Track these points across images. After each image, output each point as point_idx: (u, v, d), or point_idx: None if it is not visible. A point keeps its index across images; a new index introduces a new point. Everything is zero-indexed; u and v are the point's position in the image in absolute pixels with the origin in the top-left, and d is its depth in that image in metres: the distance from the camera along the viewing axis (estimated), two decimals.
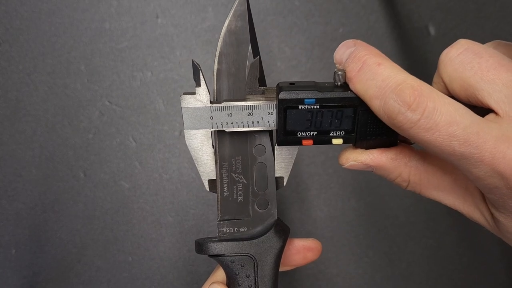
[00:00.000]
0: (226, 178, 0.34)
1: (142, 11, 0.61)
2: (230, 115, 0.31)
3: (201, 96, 0.31)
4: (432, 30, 0.63)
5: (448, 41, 0.27)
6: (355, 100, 0.28)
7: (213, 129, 0.31)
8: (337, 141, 0.30)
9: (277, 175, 0.34)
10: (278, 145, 0.32)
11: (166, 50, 0.61)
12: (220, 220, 0.34)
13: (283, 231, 0.34)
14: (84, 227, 0.62)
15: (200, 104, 0.31)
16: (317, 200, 0.65)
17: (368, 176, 0.67)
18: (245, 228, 0.34)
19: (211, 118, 0.31)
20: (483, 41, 0.30)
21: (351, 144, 0.31)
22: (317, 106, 0.29)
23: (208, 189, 0.34)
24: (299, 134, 0.30)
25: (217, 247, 0.33)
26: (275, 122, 0.31)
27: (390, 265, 0.67)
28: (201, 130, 0.32)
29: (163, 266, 0.63)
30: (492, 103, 0.25)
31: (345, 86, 0.29)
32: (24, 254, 0.61)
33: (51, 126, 0.60)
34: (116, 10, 0.60)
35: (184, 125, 0.31)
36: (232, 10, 0.32)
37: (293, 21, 0.63)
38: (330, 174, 0.66)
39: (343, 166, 0.31)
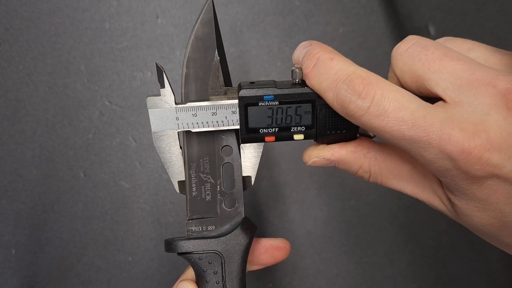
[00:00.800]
0: (195, 178, 0.35)
1: (142, 11, 0.61)
2: (195, 115, 0.32)
3: (166, 97, 0.32)
4: (432, 30, 0.63)
5: None
6: (312, 95, 0.30)
7: (180, 130, 0.32)
8: (298, 137, 0.31)
9: (244, 174, 0.35)
10: (242, 143, 0.33)
11: (166, 50, 0.61)
12: (188, 219, 0.35)
13: (250, 229, 0.35)
14: (84, 227, 0.62)
15: (166, 105, 0.32)
16: (317, 200, 0.65)
17: None
18: (213, 227, 0.35)
19: (177, 119, 0.32)
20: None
21: (313, 142, 0.32)
22: (276, 103, 0.30)
23: (178, 191, 0.35)
24: (262, 131, 0.31)
25: (185, 245, 0.34)
26: (238, 121, 0.31)
27: (390, 265, 0.67)
28: (168, 132, 0.33)
29: (163, 266, 0.63)
30: (439, 91, 0.26)
31: (303, 83, 0.30)
32: (24, 254, 0.61)
33: (51, 126, 0.60)
34: (116, 10, 0.60)
35: (152, 127, 0.32)
36: (200, 18, 0.34)
37: (293, 21, 0.63)
38: (330, 174, 0.66)
39: (307, 164, 0.32)
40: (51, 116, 0.60)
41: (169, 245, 0.35)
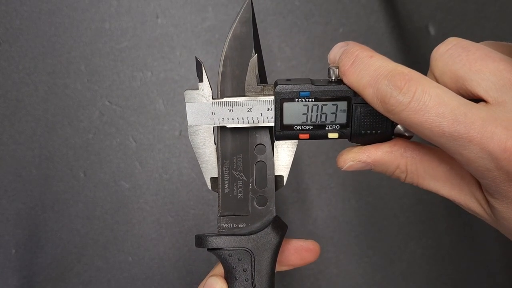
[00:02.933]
0: (227, 175, 0.35)
1: (142, 11, 0.61)
2: (231, 110, 0.32)
3: (204, 92, 0.32)
4: (432, 30, 0.63)
5: None
6: (348, 93, 0.30)
7: (215, 125, 0.32)
8: (332, 135, 0.31)
9: (276, 173, 0.35)
10: (276, 139, 0.33)
11: (166, 50, 0.61)
12: (220, 216, 0.35)
13: (281, 228, 0.35)
14: (84, 227, 0.62)
15: (203, 100, 0.32)
16: (317, 200, 0.65)
17: (368, 176, 0.67)
18: (244, 224, 0.35)
19: (213, 113, 0.32)
20: (483, 41, 0.30)
21: (345, 148, 0.32)
22: (312, 99, 0.30)
23: (210, 188, 0.35)
24: (296, 128, 0.31)
25: (215, 241, 0.34)
26: (273, 118, 0.32)
27: (390, 265, 0.67)
28: (203, 126, 0.33)
29: (163, 266, 0.63)
30: (481, 91, 0.26)
31: (339, 81, 0.30)
32: (24, 254, 0.61)
33: (51, 126, 0.60)
34: (116, 10, 0.60)
35: (188, 121, 0.32)
36: (238, 17, 0.34)
37: (293, 21, 0.63)
38: (330, 174, 0.66)
39: (342, 169, 0.32)
40: (51, 116, 0.60)
41: (200, 240, 0.35)
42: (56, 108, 0.60)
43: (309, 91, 0.30)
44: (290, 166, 0.35)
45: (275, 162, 0.35)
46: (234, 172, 0.35)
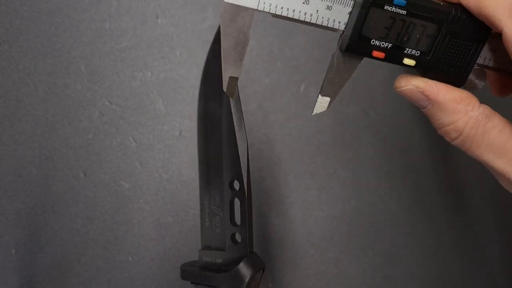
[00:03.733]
0: (207, 209, 0.34)
1: (142, 11, 0.61)
2: None
3: None
4: None
5: None
6: (445, 15, 0.26)
7: (259, 9, 0.25)
8: (409, 62, 0.27)
9: (323, 93, 0.29)
10: (345, 50, 0.27)
11: (166, 50, 0.61)
12: (201, 249, 0.35)
13: (253, 266, 0.34)
14: (84, 227, 0.62)
15: None
16: (317, 200, 0.65)
17: (368, 176, 0.67)
18: (221, 260, 0.35)
19: None
20: None
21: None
22: (404, 12, 0.26)
23: (225, 89, 0.28)
24: (373, 42, 0.27)
25: (190, 275, 0.35)
26: (345, 22, 0.26)
27: (390, 265, 0.67)
28: (243, 8, 0.25)
29: (163, 266, 0.63)
30: None
31: None
32: (24, 254, 0.61)
33: (51, 126, 0.60)
34: (116, 10, 0.60)
35: None
36: None
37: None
38: (330, 174, 0.66)
39: (398, 89, 0.28)
40: (51, 116, 0.60)
41: (182, 272, 0.36)
42: (56, 108, 0.60)
43: (406, 0, 0.25)
44: (340, 89, 0.29)
45: (327, 77, 0.28)
46: (213, 207, 0.34)
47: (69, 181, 0.61)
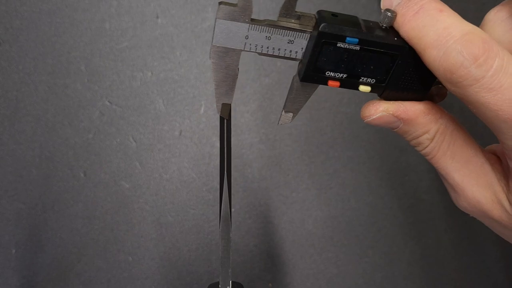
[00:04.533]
0: None
1: (142, 11, 0.61)
2: (269, 38, 0.27)
3: (242, 10, 0.27)
4: None
5: None
6: (400, 49, 0.26)
7: (245, 50, 0.28)
8: (364, 88, 0.28)
9: (286, 110, 0.31)
10: (302, 80, 0.29)
11: (166, 50, 0.61)
12: None
13: None
14: (84, 227, 0.62)
15: (239, 20, 0.27)
16: (317, 200, 0.65)
17: (368, 176, 0.67)
18: None
19: (247, 37, 0.27)
20: None
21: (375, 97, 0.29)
22: (357, 48, 0.26)
23: (219, 113, 0.31)
24: (328, 73, 0.28)
25: None
26: (302, 53, 0.28)
27: (390, 265, 0.67)
28: (230, 49, 0.28)
29: (163, 266, 0.63)
30: None
31: (391, 30, 0.26)
32: (24, 254, 0.61)
33: (51, 126, 0.60)
34: (116, 10, 0.60)
35: (213, 39, 0.27)
36: None
37: None
38: (330, 174, 0.66)
39: (368, 119, 0.28)
40: (51, 116, 0.60)
41: None
42: (56, 108, 0.60)
43: (358, 38, 0.26)
44: (303, 105, 0.32)
45: (289, 97, 0.30)
46: None
47: (69, 181, 0.61)
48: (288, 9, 0.27)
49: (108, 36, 0.60)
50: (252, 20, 0.27)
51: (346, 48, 0.26)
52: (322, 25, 0.26)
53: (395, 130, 0.28)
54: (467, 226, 0.67)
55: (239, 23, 0.27)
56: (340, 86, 0.28)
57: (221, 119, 0.32)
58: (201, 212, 0.63)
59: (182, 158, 0.63)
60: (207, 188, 0.63)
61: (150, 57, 0.61)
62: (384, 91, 0.28)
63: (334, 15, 0.27)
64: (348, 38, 0.26)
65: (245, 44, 0.28)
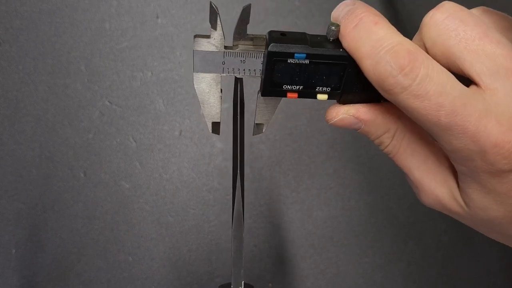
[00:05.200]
0: None
1: (142, 11, 0.61)
2: (244, 62, 0.30)
3: (216, 41, 0.30)
4: None
5: None
6: (346, 58, 0.28)
7: (224, 74, 0.31)
8: (322, 97, 0.30)
9: (257, 122, 0.34)
10: (262, 95, 0.32)
11: (166, 50, 0.61)
12: None
13: None
14: (84, 227, 0.62)
15: (213, 48, 0.30)
16: (317, 200, 0.65)
17: (368, 176, 0.67)
18: None
19: (223, 63, 0.30)
20: (477, 7, 0.30)
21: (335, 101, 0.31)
22: (307, 62, 0.29)
23: (210, 131, 0.34)
24: (285, 87, 0.30)
25: None
26: (260, 71, 0.30)
27: (390, 265, 0.67)
28: (211, 74, 0.31)
29: (163, 266, 0.63)
30: (473, 74, 0.25)
31: (337, 42, 0.28)
32: (24, 254, 0.61)
33: (51, 126, 0.60)
34: (116, 10, 0.60)
35: (194, 68, 0.30)
36: None
37: (293, 21, 0.63)
38: (330, 174, 0.66)
39: (331, 122, 0.30)
40: (51, 116, 0.60)
41: None
42: (56, 108, 0.60)
43: (305, 53, 0.28)
44: (272, 116, 0.34)
45: (258, 110, 0.34)
46: None
47: (69, 181, 0.61)
48: (241, 33, 0.30)
49: (108, 36, 0.60)
50: (226, 47, 0.30)
51: (296, 63, 0.29)
52: (270, 45, 0.28)
53: (358, 131, 0.30)
54: (467, 226, 0.67)
55: (214, 51, 0.30)
56: (299, 97, 0.30)
57: (234, 116, 0.34)
58: (201, 212, 0.63)
59: (182, 158, 0.63)
60: (207, 188, 0.63)
61: (150, 57, 0.61)
62: (341, 97, 0.30)
63: (283, 34, 0.29)
64: (296, 55, 0.28)
65: (223, 69, 0.31)
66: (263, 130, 0.34)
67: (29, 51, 0.59)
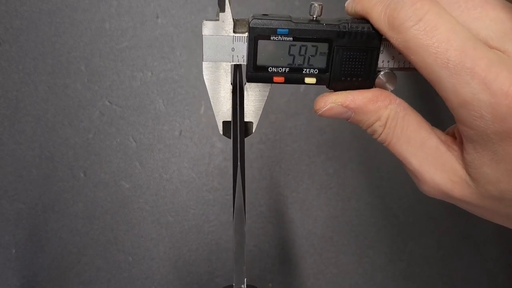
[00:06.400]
0: None
1: (142, 11, 0.61)
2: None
3: (225, 24, 0.28)
4: None
5: None
6: (331, 33, 0.27)
7: (234, 63, 0.30)
8: (309, 80, 0.29)
9: (246, 119, 0.32)
10: (248, 81, 0.30)
11: (166, 50, 0.61)
12: None
13: None
14: (84, 227, 0.62)
15: (223, 33, 0.28)
16: (317, 200, 0.65)
17: (368, 176, 0.67)
18: None
19: (233, 49, 0.29)
20: None
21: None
22: (290, 38, 0.28)
23: (221, 132, 0.32)
24: (270, 69, 0.29)
25: None
26: (243, 56, 0.29)
27: (390, 265, 0.67)
28: (221, 64, 0.30)
29: (163, 266, 0.63)
30: (481, 40, 0.24)
31: (320, 19, 0.28)
32: (24, 254, 0.61)
33: (51, 126, 0.60)
34: (116, 10, 0.60)
35: (204, 56, 0.29)
36: None
37: None
38: (330, 174, 0.66)
39: (320, 112, 0.29)
40: (51, 116, 0.60)
41: None
42: (56, 108, 0.60)
43: (288, 28, 0.27)
44: (260, 112, 0.32)
45: (245, 106, 0.32)
46: None
47: (69, 181, 0.61)
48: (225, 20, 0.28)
49: (108, 36, 0.60)
50: (235, 32, 0.29)
51: (279, 40, 0.27)
52: (252, 21, 0.27)
53: (349, 121, 0.29)
54: (467, 226, 0.67)
55: (224, 35, 0.28)
56: (285, 82, 0.29)
57: (234, 105, 0.32)
58: (201, 212, 0.63)
59: (182, 158, 0.63)
60: (207, 188, 0.63)
61: (150, 57, 0.61)
62: (331, 82, 0.29)
63: (265, 14, 0.28)
64: (278, 30, 0.27)
65: (232, 57, 0.29)
66: (253, 130, 0.33)
67: (29, 51, 0.59)
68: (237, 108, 0.32)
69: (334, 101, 0.29)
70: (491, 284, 0.69)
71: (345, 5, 0.29)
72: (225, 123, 0.32)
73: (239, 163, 0.32)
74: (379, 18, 0.26)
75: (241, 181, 0.32)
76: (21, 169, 0.60)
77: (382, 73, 0.29)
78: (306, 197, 0.65)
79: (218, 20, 0.28)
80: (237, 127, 0.32)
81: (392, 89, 0.30)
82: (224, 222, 0.63)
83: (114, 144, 0.62)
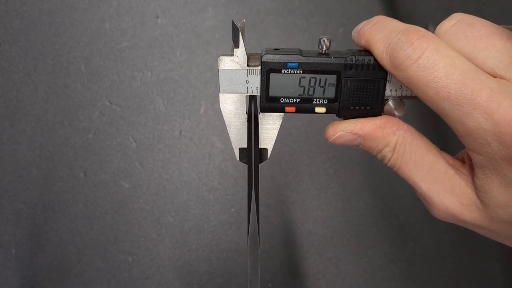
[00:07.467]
0: None
1: (142, 11, 0.61)
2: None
3: (239, 58, 0.31)
4: (432, 30, 0.63)
5: None
6: (339, 66, 0.29)
7: (248, 94, 0.31)
8: (320, 110, 0.30)
9: (261, 146, 0.34)
10: (261, 111, 0.32)
11: (166, 50, 0.61)
12: None
13: None
14: (84, 227, 0.62)
15: (237, 67, 0.31)
16: (317, 200, 0.65)
17: (368, 176, 0.67)
18: None
19: (247, 82, 0.31)
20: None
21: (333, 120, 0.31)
22: (300, 71, 0.29)
23: (238, 158, 0.34)
24: (282, 100, 0.30)
25: None
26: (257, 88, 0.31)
27: (390, 265, 0.67)
28: (236, 95, 0.32)
29: (163, 266, 0.63)
30: (487, 69, 0.25)
31: (329, 53, 0.29)
32: (24, 254, 0.61)
33: (51, 126, 0.60)
34: (116, 10, 0.60)
35: (220, 88, 0.31)
36: None
37: (293, 21, 0.62)
38: (330, 174, 0.66)
39: (330, 140, 0.31)
40: (51, 116, 0.60)
41: None
42: (56, 108, 0.60)
43: (298, 62, 0.29)
44: (275, 139, 0.34)
45: (260, 134, 0.34)
46: None
47: (69, 181, 0.61)
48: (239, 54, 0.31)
49: (108, 36, 0.60)
50: (249, 65, 0.31)
51: (290, 73, 0.29)
52: (264, 56, 0.29)
53: (359, 147, 0.30)
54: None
55: (238, 69, 0.31)
56: (297, 111, 0.31)
57: (249, 135, 0.35)
58: (201, 212, 0.63)
59: (182, 158, 0.63)
60: (207, 188, 0.63)
61: (150, 57, 0.61)
62: (340, 111, 0.30)
63: (277, 49, 0.30)
64: (289, 64, 0.29)
65: (247, 88, 0.31)
66: (268, 156, 0.35)
67: (29, 51, 0.59)
68: (252, 136, 0.34)
69: (343, 129, 0.30)
70: (491, 284, 0.69)
71: (352, 35, 0.30)
72: (241, 150, 0.34)
73: (253, 187, 0.33)
74: (381, 56, 0.27)
75: (255, 206, 0.33)
76: (21, 169, 0.60)
77: (390, 100, 0.30)
78: (306, 197, 0.65)
79: (233, 55, 0.30)
80: (252, 154, 0.33)
81: (400, 115, 0.31)
82: (224, 222, 0.63)
83: (114, 144, 0.62)
